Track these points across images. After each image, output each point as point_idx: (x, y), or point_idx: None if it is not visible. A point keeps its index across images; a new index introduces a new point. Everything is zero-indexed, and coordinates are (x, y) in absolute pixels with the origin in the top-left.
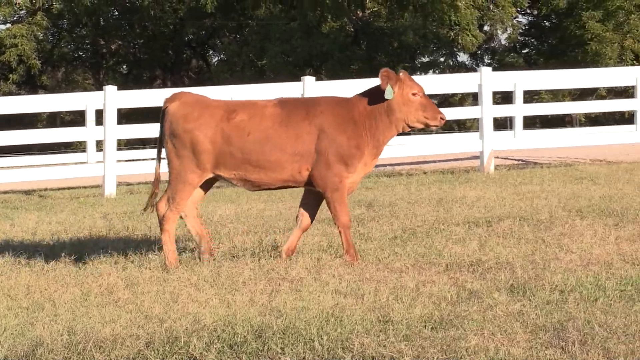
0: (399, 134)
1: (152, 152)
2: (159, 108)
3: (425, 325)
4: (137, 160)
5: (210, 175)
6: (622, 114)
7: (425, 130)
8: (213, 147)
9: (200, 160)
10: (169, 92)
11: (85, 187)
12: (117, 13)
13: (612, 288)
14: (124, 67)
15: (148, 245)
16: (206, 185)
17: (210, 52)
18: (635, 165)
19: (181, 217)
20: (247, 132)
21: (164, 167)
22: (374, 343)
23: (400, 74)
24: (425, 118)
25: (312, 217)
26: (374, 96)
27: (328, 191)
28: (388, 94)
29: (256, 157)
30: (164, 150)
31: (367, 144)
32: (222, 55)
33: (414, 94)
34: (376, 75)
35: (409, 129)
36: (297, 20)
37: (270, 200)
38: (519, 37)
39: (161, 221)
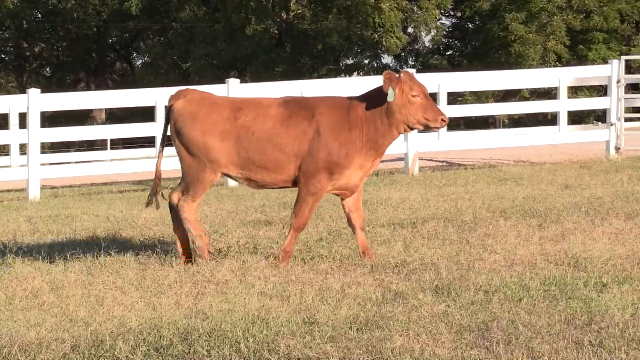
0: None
1: (76, 156)
2: (82, 111)
3: (351, 327)
4: (61, 163)
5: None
6: (545, 115)
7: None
8: (221, 145)
9: (211, 158)
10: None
11: (9, 191)
12: (40, 15)
13: (536, 288)
14: (48, 69)
15: (73, 248)
16: None
17: (134, 54)
18: (558, 166)
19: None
20: (251, 132)
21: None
22: (300, 345)
23: (402, 74)
24: (425, 119)
25: (359, 212)
26: (375, 98)
27: (304, 191)
28: (390, 97)
29: (259, 157)
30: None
31: (359, 150)
32: (146, 58)
33: (413, 95)
34: (301, 77)
35: (411, 130)
36: (221, 22)
37: None
38: (443, 39)
39: (177, 210)
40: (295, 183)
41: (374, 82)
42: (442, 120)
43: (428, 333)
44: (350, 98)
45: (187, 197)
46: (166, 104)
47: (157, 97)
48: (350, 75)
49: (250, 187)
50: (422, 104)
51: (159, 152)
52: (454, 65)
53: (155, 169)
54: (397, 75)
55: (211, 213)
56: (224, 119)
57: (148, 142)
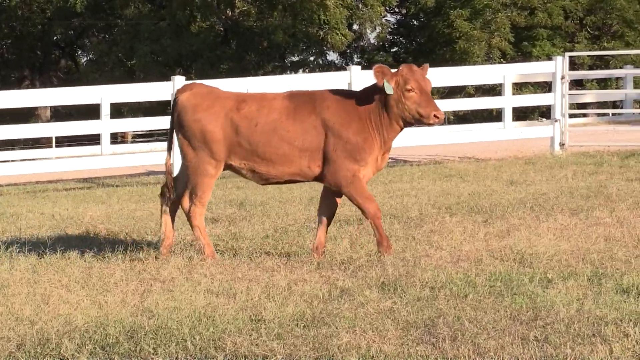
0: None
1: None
2: (27, 109)
3: (298, 324)
4: (6, 161)
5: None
6: (490, 111)
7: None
8: (224, 137)
9: (213, 150)
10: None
11: None
12: None
13: (482, 284)
14: None
15: (18, 246)
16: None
17: (79, 52)
18: (503, 162)
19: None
20: (254, 123)
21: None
22: (247, 342)
23: (402, 67)
24: (419, 115)
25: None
26: (374, 92)
27: (343, 187)
28: (388, 90)
29: (263, 149)
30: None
31: (374, 139)
32: (91, 55)
33: (408, 90)
34: (246, 75)
35: (410, 125)
36: (166, 19)
37: (141, 200)
38: (388, 36)
39: (188, 218)
40: (303, 178)
41: (320, 79)
42: (435, 116)
43: (374, 330)
44: (354, 91)
45: (195, 201)
46: (111, 101)
47: (102, 94)
48: (295, 72)
49: (254, 180)
50: (416, 99)
51: (169, 147)
52: (399, 62)
53: (165, 164)
54: (391, 69)
55: (157, 211)
56: (226, 110)
57: (93, 139)
